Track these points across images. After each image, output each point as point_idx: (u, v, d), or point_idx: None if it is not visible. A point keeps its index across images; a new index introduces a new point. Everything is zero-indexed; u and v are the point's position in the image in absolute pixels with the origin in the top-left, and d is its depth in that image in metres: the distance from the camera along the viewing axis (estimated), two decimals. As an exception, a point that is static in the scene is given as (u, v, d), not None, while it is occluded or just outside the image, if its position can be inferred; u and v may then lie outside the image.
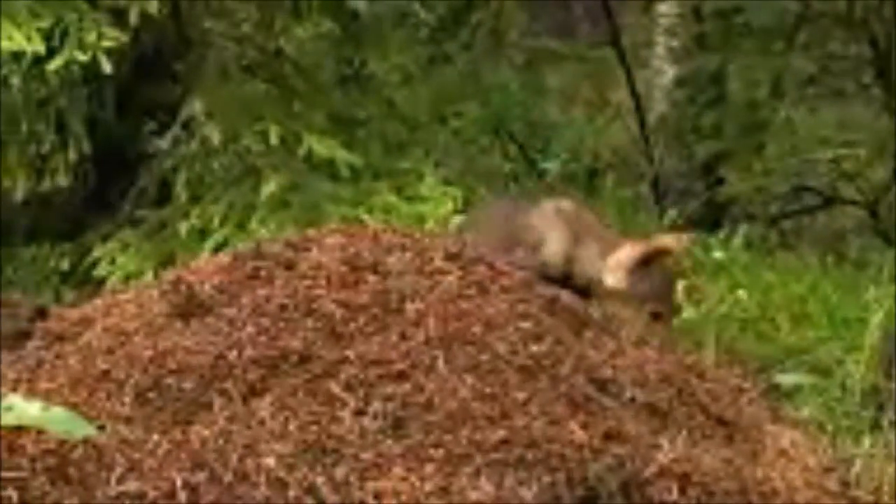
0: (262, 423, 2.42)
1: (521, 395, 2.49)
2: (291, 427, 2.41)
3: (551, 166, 5.24)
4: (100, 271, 4.21)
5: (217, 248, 3.92)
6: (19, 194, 4.54)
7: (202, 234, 4.11)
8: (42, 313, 2.88)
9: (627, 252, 3.28)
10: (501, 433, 2.41)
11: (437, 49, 6.82)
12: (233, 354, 2.55)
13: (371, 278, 2.70)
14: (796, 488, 2.65)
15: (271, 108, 4.52)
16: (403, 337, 2.56)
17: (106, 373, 2.57)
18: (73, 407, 2.40)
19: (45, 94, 4.29)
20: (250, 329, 2.60)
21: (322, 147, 4.32)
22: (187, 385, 2.51)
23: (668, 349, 3.04)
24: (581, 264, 3.27)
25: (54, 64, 4.07)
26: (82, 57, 4.05)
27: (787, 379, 3.27)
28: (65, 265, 4.36)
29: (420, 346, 2.53)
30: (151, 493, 2.31)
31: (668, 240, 3.36)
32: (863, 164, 6.96)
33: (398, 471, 2.33)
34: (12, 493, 2.30)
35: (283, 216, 4.08)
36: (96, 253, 4.27)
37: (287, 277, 2.72)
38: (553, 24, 9.22)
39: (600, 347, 2.79)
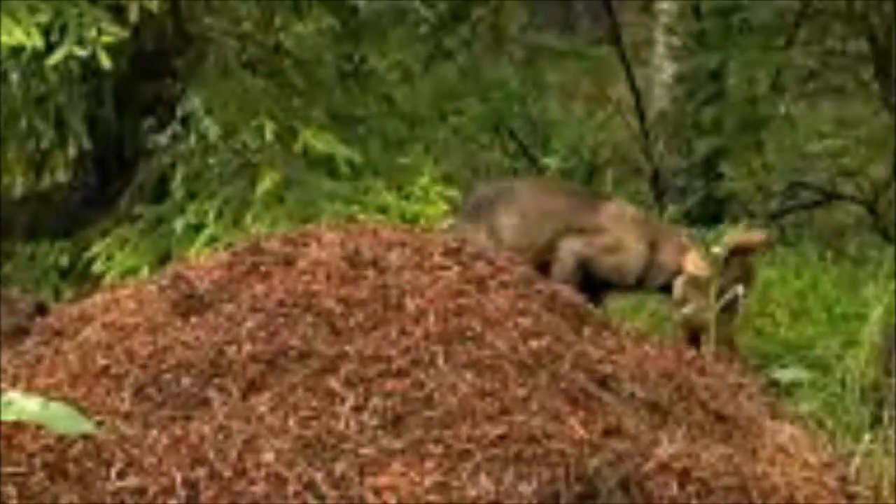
0: (261, 419, 2.42)
1: (520, 392, 2.49)
2: (290, 423, 2.41)
3: (551, 162, 5.24)
4: (98, 268, 4.20)
5: (209, 244, 3.92)
6: (18, 191, 4.54)
7: (198, 230, 4.11)
8: (41, 309, 2.88)
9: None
10: (501, 429, 2.40)
11: (438, 45, 6.81)
12: (232, 350, 2.55)
13: (370, 274, 2.69)
14: (795, 485, 2.64)
15: (270, 104, 4.51)
16: (403, 333, 2.55)
17: (105, 369, 2.56)
18: (72, 403, 2.39)
19: (44, 90, 4.29)
20: (249, 325, 2.59)
21: (320, 143, 4.31)
22: (186, 381, 2.50)
23: (668, 345, 3.05)
24: (659, 268, 3.36)
25: (53, 59, 4.06)
26: (81, 53, 4.04)
27: (786, 375, 3.26)
28: (64, 261, 4.35)
29: (419, 343, 2.53)
30: (151, 489, 2.31)
31: (751, 236, 3.43)
32: (862, 160, 6.96)
33: (397, 467, 2.33)
34: (11, 489, 2.30)
35: (279, 212, 4.08)
36: (95, 249, 4.26)
37: (286, 273, 2.71)
38: (553, 20, 9.22)
39: (600, 344, 2.79)
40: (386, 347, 2.52)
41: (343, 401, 2.44)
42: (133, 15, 4.18)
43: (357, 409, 2.42)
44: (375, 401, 2.43)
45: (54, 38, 4.08)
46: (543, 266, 3.43)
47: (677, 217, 5.66)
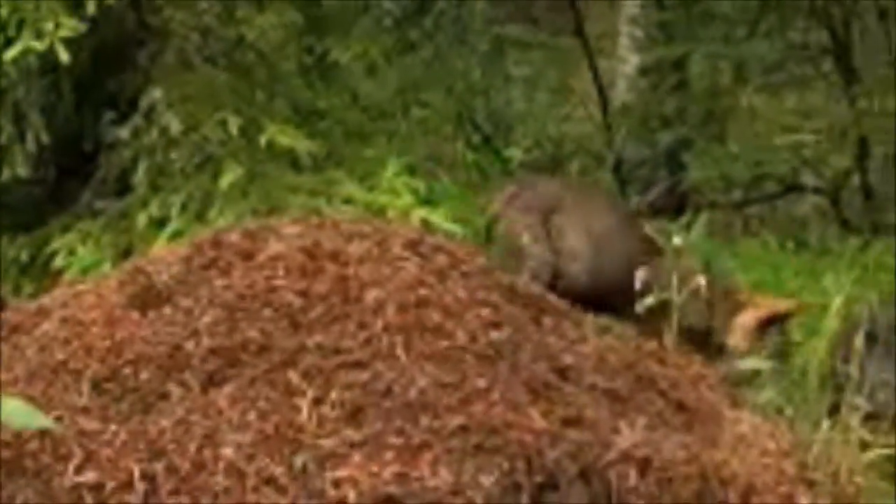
0: (220, 413, 2.41)
1: (480, 383, 2.49)
2: (250, 417, 2.41)
3: (513, 154, 5.24)
4: (58, 262, 4.17)
5: (173, 238, 3.89)
6: (-23, 186, 4.49)
7: (161, 224, 4.08)
8: (-1, 305, 2.86)
9: (751, 315, 3.48)
10: (460, 420, 2.41)
11: (401, 38, 6.80)
12: (191, 345, 2.54)
13: (330, 267, 2.69)
14: (754, 472, 2.66)
15: (232, 97, 4.49)
16: (362, 325, 2.55)
17: (63, 363, 2.55)
18: (30, 398, 2.38)
19: (2, 84, 4.25)
20: (208, 319, 2.59)
21: (283, 136, 4.30)
22: (145, 375, 2.49)
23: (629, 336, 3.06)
24: (717, 333, 3.47)
25: (10, 54, 4.03)
26: (39, 47, 4.00)
27: (747, 364, 3.29)
28: (24, 257, 4.31)
29: (379, 335, 2.53)
30: (109, 484, 2.30)
31: (786, 304, 3.57)
32: (824, 151, 7.00)
33: (357, 459, 2.33)
34: (-32, 485, 2.29)
35: (242, 206, 4.06)
36: (55, 244, 4.23)
37: (245, 267, 2.71)
38: (517, 12, 9.21)
39: (560, 334, 2.80)
40: (345, 340, 2.52)
41: (303, 394, 2.43)
42: (91, 8, 4.15)
43: (317, 401, 2.42)
44: (335, 393, 2.43)
45: (11, 32, 4.04)
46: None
47: (640, 208, 5.68)
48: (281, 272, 2.67)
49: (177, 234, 3.97)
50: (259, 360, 2.50)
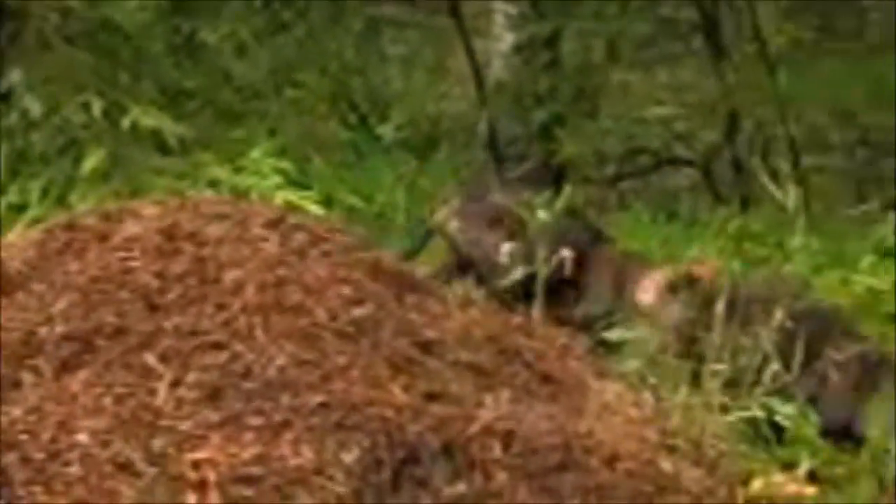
0: (74, 398, 2.36)
1: (341, 360, 2.48)
2: (106, 402, 2.36)
3: (386, 132, 5.23)
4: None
5: (33, 224, 3.80)
6: None
7: (21, 210, 3.99)
8: None
9: (663, 274, 3.46)
10: (321, 398, 2.39)
11: (273, 18, 6.72)
12: (44, 330, 2.48)
13: (188, 248, 2.65)
14: (618, 440, 2.69)
15: (95, 79, 4.40)
16: (221, 306, 2.52)
17: (-90, 354, 2.47)
18: None
19: None
20: (62, 304, 2.53)
21: (148, 118, 4.23)
22: (-4, 364, 2.43)
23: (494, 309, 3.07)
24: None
25: None
26: None
27: (613, 335, 3.33)
28: None
29: (237, 315, 2.50)
30: (-41, 476, 2.24)
31: (700, 268, 3.51)
32: (695, 125, 7.13)
33: (216, 440, 2.30)
34: None
35: (105, 190, 3.98)
36: (-89, 233, 4.10)
37: (101, 250, 2.65)
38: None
39: (424, 310, 2.79)
40: (203, 321, 2.48)
41: (160, 377, 2.39)
42: (-56, -11, 4.03)
43: (174, 384, 2.38)
44: (193, 375, 2.40)
45: None
46: None
47: (516, 185, 5.70)
48: (137, 253, 2.62)
49: (36, 221, 3.87)
50: (115, 343, 2.45)
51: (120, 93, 4.42)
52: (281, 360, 2.43)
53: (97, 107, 4.21)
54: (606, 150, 6.75)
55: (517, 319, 3.07)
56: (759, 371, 3.04)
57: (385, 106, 7.03)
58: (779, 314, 3.12)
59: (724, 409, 2.94)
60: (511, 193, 3.98)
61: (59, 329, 2.49)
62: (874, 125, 7.00)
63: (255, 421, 2.34)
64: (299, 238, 2.76)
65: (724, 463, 2.78)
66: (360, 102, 6.91)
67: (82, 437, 2.29)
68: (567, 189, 3.50)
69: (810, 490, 2.82)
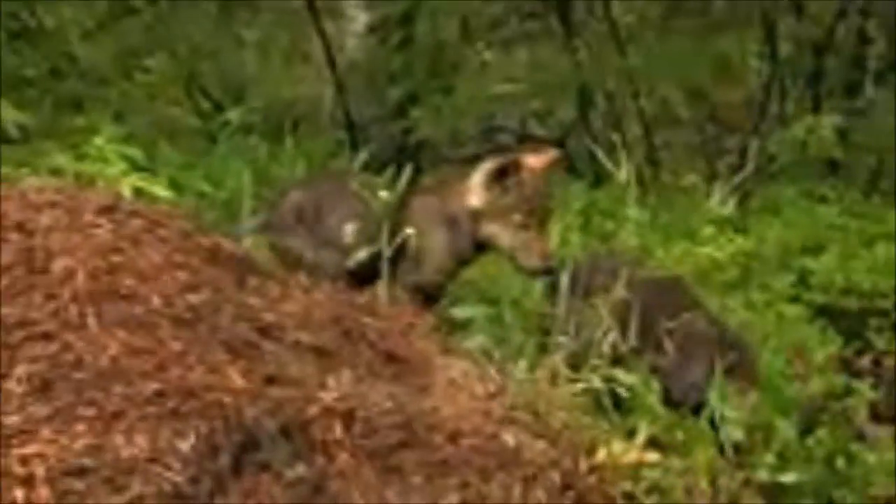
0: None
1: (176, 346, 2.44)
2: (-71, 400, 2.29)
3: (233, 117, 5.17)
4: None
5: None
6: None
7: None
8: None
9: (491, 163, 3.32)
10: (156, 386, 2.35)
11: (120, 1, 6.57)
12: None
13: (15, 237, 2.58)
14: (462, 416, 2.71)
15: (-73, 67, 4.25)
16: (50, 296, 2.46)
17: None
18: None
19: None
20: None
21: (-14, 107, 4.10)
22: None
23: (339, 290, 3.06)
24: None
25: None
26: None
27: (461, 312, 3.34)
28: None
29: (67, 304, 2.44)
30: None
31: (524, 156, 3.34)
32: (552, 104, 7.21)
33: (46, 433, 2.24)
34: None
35: (-62, 181, 3.84)
36: None
37: (-78, 243, 2.56)
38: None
39: (264, 294, 2.77)
40: (32, 311, 2.42)
41: (-14, 371, 2.33)
42: None
43: (2, 378, 2.32)
44: (21, 368, 2.33)
45: None
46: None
47: (372, 165, 5.68)
48: (-39, 246, 2.54)
49: None
50: (-62, 339, 2.38)
51: (-46, 81, 4.28)
52: (114, 349, 2.39)
53: (-70, 96, 4.07)
54: (463, 129, 6.78)
55: (361, 299, 3.07)
56: (601, 343, 3.09)
57: (239, 90, 6.94)
58: (619, 286, 3.17)
59: (569, 382, 2.97)
60: (363, 175, 3.97)
61: None
62: (722, 102, 7.18)
63: (87, 412, 2.29)
64: (134, 224, 2.71)
65: (568, 434, 2.81)
66: (213, 87, 6.80)
67: None
68: (408, 168, 3.49)
69: (651, 456, 2.87)
